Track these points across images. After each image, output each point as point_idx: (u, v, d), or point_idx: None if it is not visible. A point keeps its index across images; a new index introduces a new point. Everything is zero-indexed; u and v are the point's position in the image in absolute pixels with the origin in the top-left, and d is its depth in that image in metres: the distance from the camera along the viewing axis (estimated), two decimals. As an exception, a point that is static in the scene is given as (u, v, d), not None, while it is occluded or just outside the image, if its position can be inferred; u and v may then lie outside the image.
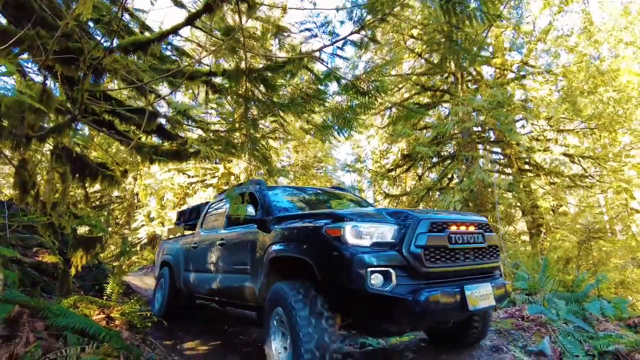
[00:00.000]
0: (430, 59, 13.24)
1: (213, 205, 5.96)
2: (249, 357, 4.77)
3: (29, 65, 4.16)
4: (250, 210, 4.01)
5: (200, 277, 5.26)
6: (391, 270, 2.79)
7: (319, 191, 5.66)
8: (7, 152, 3.09)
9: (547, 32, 12.26)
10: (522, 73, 12.60)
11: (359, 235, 2.93)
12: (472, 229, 3.30)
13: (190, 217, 6.97)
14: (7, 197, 6.80)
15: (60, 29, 1.91)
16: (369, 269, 2.76)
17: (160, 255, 7.13)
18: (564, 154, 11.71)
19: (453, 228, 3.15)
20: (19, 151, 3.02)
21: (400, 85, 14.98)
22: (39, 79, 4.63)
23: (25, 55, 3.50)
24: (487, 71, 14.72)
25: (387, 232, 2.98)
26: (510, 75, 13.07)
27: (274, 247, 3.60)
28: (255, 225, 4.10)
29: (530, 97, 12.01)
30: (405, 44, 13.27)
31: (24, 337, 3.05)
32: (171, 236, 7.76)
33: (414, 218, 3.03)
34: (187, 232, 7.49)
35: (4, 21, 3.95)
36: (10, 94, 2.72)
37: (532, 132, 12.72)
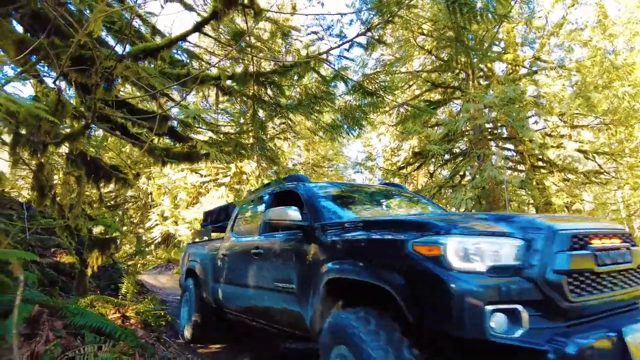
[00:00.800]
0: (441, 55, 13.16)
1: (246, 206, 5.14)
2: (260, 357, 4.85)
3: (45, 69, 4.28)
4: (295, 213, 3.23)
5: (231, 291, 4.43)
6: (520, 308, 1.92)
7: (373, 189, 4.65)
8: (26, 156, 3.20)
9: (560, 26, 12.07)
10: (534, 68, 12.44)
11: (467, 255, 2.03)
12: (617, 242, 2.39)
13: (218, 218, 6.16)
14: (26, 199, 6.99)
15: (74, 44, 1.99)
16: (488, 307, 1.89)
17: (185, 261, 6.22)
18: (578, 150, 11.55)
19: (596, 242, 2.24)
20: (36, 157, 3.12)
21: (411, 83, 14.91)
22: (54, 85, 4.75)
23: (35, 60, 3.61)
24: (498, 67, 14.55)
25: (508, 249, 2.07)
26: (523, 71, 12.91)
27: (332, 265, 2.73)
28: (300, 233, 3.28)
29: (543, 93, 11.84)
30: (415, 41, 13.21)
31: (44, 336, 3.16)
32: (197, 239, 6.81)
33: (545, 228, 2.13)
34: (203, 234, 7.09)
35: (21, 30, 4.07)
36: (27, 102, 2.82)
37: (545, 128, 12.56)
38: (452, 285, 1.95)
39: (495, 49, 12.70)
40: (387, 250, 2.37)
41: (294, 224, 3.24)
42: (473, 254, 2.04)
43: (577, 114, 11.75)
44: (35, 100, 3.00)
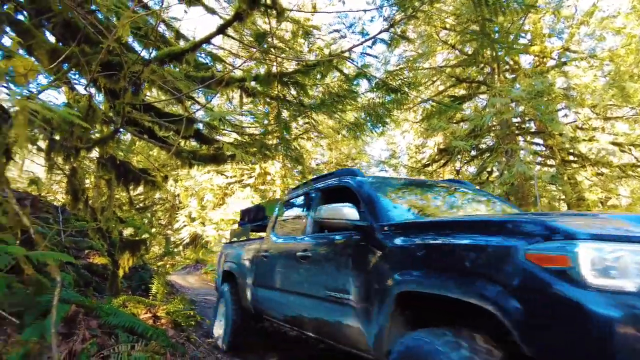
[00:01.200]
0: (465, 50, 12.91)
1: (289, 203, 4.67)
2: (286, 357, 4.86)
3: (75, 77, 4.43)
4: (352, 212, 2.81)
5: (274, 297, 4.03)
6: None
7: (438, 185, 4.00)
8: (60, 161, 3.31)
9: (591, 14, 11.61)
10: (563, 59, 12.02)
11: (607, 268, 1.50)
12: None
13: (257, 217, 5.73)
14: (61, 203, 7.26)
15: (103, 51, 2.04)
16: None
17: (222, 263, 5.79)
18: (613, 143, 11.08)
19: None
20: (69, 162, 3.23)
21: (435, 78, 14.69)
22: (85, 91, 4.92)
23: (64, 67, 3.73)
24: (525, 60, 14.15)
25: None
26: (551, 63, 12.49)
27: (404, 276, 2.25)
28: (358, 235, 2.83)
29: (573, 85, 11.43)
30: (437, 36, 13.00)
31: (80, 335, 3.26)
32: (234, 239, 6.31)
33: None
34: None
35: (53, 40, 4.22)
36: (60, 109, 2.92)
37: (576, 121, 12.12)
38: (590, 308, 1.43)
39: (521, 41, 12.35)
40: (487, 260, 1.83)
41: (350, 224, 2.79)
42: (617, 267, 1.49)
43: (610, 105, 11.29)
44: (67, 107, 3.10)
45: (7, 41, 4.35)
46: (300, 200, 4.36)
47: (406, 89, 4.37)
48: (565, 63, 11.82)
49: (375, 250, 2.59)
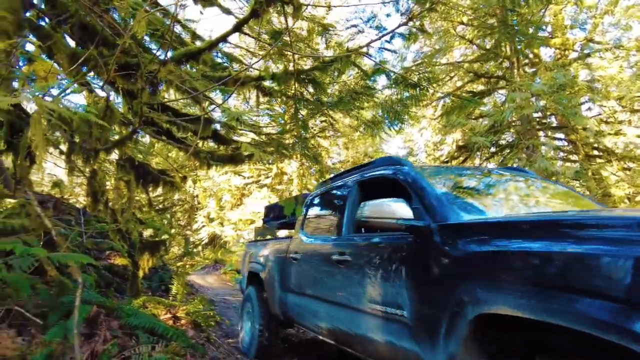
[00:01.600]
0: (483, 44, 12.65)
1: (320, 198, 4.13)
2: (305, 357, 4.81)
3: (94, 80, 4.47)
4: (403, 209, 2.38)
5: (306, 304, 3.55)
6: None
7: (500, 175, 3.26)
8: (80, 164, 3.34)
9: (616, 3, 11.20)
10: (586, 51, 11.63)
11: None
12: None
13: (282, 214, 5.26)
14: (83, 205, 7.38)
15: (119, 47, 2.02)
16: None
17: (246, 263, 5.31)
18: (640, 136, 10.69)
19: None
20: (89, 164, 3.25)
21: (452, 74, 14.44)
22: (103, 93, 4.98)
23: (84, 71, 3.76)
24: (545, 53, 13.78)
25: None
26: (573, 55, 12.11)
27: (484, 293, 1.70)
28: (411, 237, 2.32)
29: (598, 77, 11.06)
30: (455, 31, 12.77)
31: (101, 335, 3.28)
32: (258, 237, 5.87)
33: None
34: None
35: (73, 45, 4.27)
36: (80, 111, 2.93)
37: (601, 114, 11.74)
38: None
39: (541, 34, 12.02)
40: (620, 278, 1.24)
41: (403, 224, 2.31)
42: None
43: (638, 97, 10.88)
44: (86, 109, 3.12)
45: (30, 47, 4.43)
46: (332, 194, 3.83)
47: (425, 84, 4.27)
48: (588, 55, 11.44)
49: (439, 257, 2.08)
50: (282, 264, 4.15)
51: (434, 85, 4.55)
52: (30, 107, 3.48)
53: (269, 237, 5.58)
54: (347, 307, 2.84)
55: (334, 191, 3.80)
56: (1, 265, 2.39)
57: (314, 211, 4.15)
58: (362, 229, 3.19)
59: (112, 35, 3.23)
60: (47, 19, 4.55)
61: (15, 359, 2.68)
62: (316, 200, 4.18)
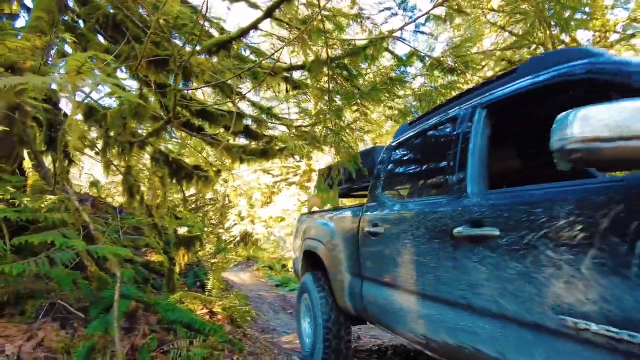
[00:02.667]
0: (515, 31, 12.14)
1: (408, 146, 2.93)
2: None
3: (126, 77, 4.53)
4: None
5: (396, 299, 2.47)
6: None
7: None
8: (114, 156, 3.36)
9: (662, -22, 10.51)
10: (629, 31, 10.95)
11: None
12: None
13: (346, 176, 4.06)
14: (119, 204, 7.56)
15: (150, 31, 1.98)
16: None
17: (300, 240, 4.28)
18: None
19: None
20: (124, 158, 3.26)
21: (483, 63, 13.95)
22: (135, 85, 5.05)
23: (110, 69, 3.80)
24: (582, 36, 13.06)
25: None
26: (614, 37, 11.44)
27: None
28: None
29: (645, 58, 10.38)
30: (485, 17, 12.32)
31: (140, 330, 3.30)
32: (315, 208, 4.51)
33: None
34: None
35: (104, 42, 4.34)
36: (114, 106, 2.94)
37: (649, 97, 11.02)
38: None
39: (578, 16, 11.41)
40: None
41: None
42: None
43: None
44: (119, 103, 3.13)
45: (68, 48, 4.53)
46: (433, 136, 2.61)
47: (463, 68, 4.07)
48: (633, 35, 10.78)
49: None
50: (352, 241, 3.09)
51: (473, 68, 4.33)
52: (68, 107, 3.54)
53: (327, 207, 4.31)
54: (494, 315, 1.68)
55: (435, 131, 2.57)
56: (44, 259, 2.41)
57: (398, 166, 2.98)
58: (504, 184, 2.21)
59: (143, 30, 3.23)
60: (82, 21, 4.65)
61: (59, 352, 2.71)
62: (401, 151, 2.98)
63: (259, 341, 4.53)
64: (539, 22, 9.11)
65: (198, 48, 3.17)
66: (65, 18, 4.47)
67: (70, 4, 4.65)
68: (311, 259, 3.93)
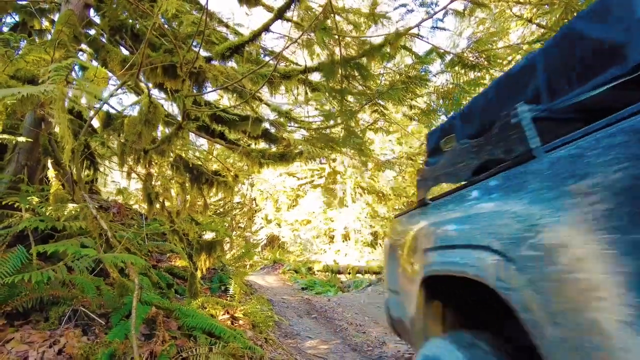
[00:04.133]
0: (543, 23, 11.69)
1: None
2: (369, 356, 4.60)
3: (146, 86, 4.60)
4: None
5: None
6: None
7: None
8: (131, 163, 3.40)
9: None
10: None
11: None
12: None
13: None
14: (145, 210, 7.71)
15: (150, 27, 1.96)
16: None
17: (407, 257, 1.88)
18: None
19: None
20: (143, 165, 3.29)
21: (510, 58, 13.50)
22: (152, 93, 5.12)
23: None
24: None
25: None
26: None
27: None
28: None
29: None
30: (511, 11, 11.92)
31: (160, 336, 3.30)
32: (425, 197, 1.92)
33: None
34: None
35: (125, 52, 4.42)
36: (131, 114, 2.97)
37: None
38: None
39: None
40: None
41: None
42: None
43: None
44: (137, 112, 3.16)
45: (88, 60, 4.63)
46: None
47: (486, 64, 3.90)
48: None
49: None
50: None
51: (495, 65, 4.15)
52: (90, 115, 3.61)
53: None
54: None
55: None
56: (62, 267, 2.44)
57: None
58: None
59: (158, 37, 3.25)
60: (105, 34, 4.77)
61: (79, 359, 2.74)
62: None
63: (282, 347, 4.48)
64: (568, 12, 8.72)
65: (206, 54, 3.16)
66: (90, 31, 4.59)
67: (92, 16, 4.77)
68: (441, 296, 1.70)
